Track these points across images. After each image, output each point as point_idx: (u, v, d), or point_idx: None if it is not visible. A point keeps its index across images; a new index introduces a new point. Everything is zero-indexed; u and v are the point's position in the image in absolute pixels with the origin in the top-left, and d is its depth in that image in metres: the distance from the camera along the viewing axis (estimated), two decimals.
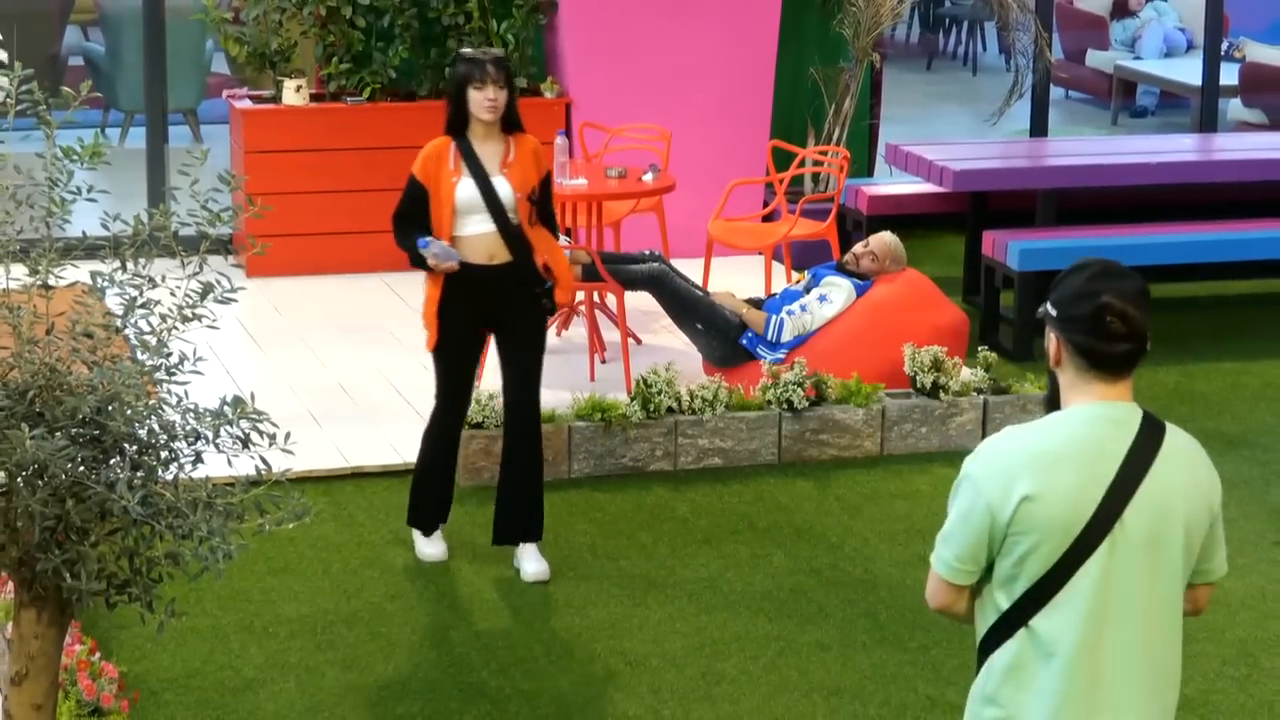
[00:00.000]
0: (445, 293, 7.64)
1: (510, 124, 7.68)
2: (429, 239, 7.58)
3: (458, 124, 7.66)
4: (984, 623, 4.27)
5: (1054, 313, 4.21)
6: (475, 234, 7.63)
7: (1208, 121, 14.05)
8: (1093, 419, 4.17)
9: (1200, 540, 4.26)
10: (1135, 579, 4.16)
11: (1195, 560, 4.27)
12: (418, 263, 7.67)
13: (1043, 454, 4.15)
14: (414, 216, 7.67)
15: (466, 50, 7.79)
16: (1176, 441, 4.24)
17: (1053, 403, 4.27)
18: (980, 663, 4.29)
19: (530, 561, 7.86)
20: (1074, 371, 4.20)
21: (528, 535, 7.89)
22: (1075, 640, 4.15)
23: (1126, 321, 4.13)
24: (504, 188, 7.61)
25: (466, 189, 7.60)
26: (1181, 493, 4.20)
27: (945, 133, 16.07)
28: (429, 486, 7.97)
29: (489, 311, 7.71)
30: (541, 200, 7.70)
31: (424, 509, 8.01)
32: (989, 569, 4.21)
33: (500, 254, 7.64)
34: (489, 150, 7.65)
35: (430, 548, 8.01)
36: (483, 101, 7.55)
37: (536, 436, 7.89)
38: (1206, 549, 4.29)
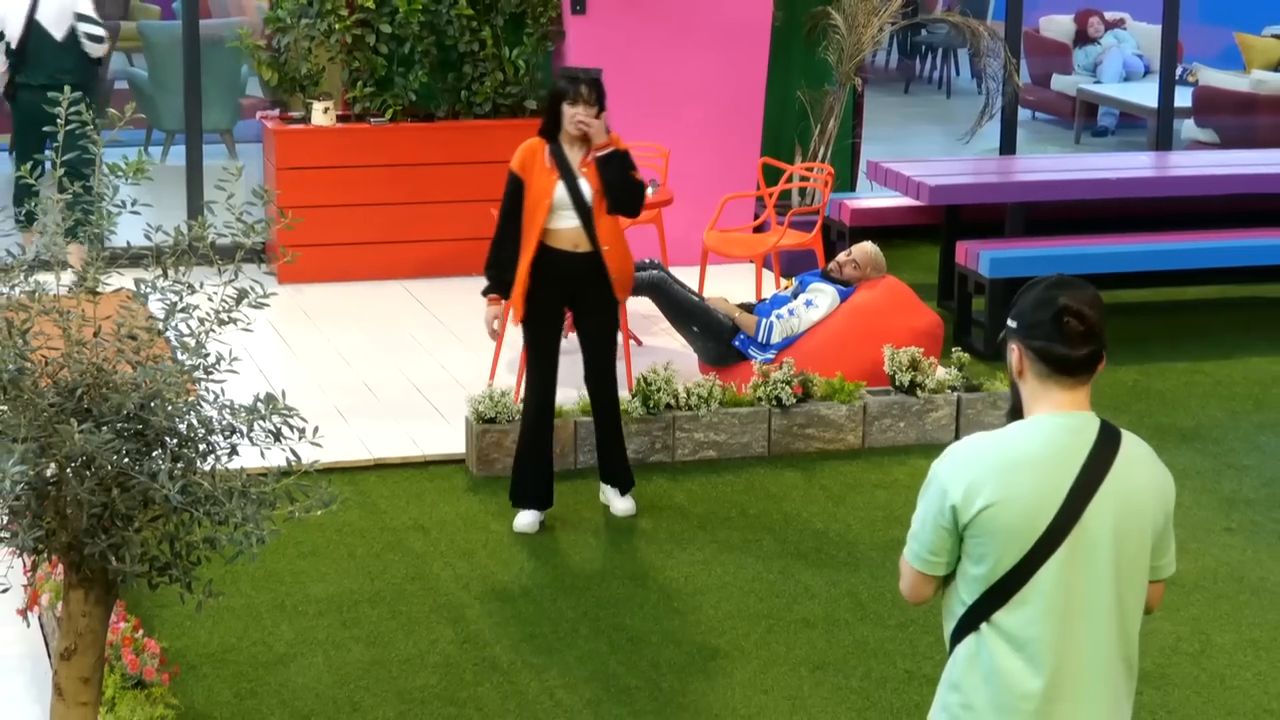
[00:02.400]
0: (532, 277, 7.94)
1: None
2: (497, 321, 8.15)
3: (551, 130, 7.93)
4: (950, 616, 4.24)
5: (1014, 324, 4.16)
6: (564, 227, 7.93)
7: (1163, 141, 14.04)
8: (1053, 428, 4.12)
9: (1157, 539, 4.22)
10: (1099, 578, 4.12)
11: (1152, 557, 4.23)
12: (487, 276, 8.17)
13: (1005, 461, 4.11)
14: (514, 216, 7.97)
15: (568, 67, 8.15)
16: (1132, 447, 4.18)
17: (1015, 414, 4.23)
18: (950, 652, 4.26)
19: (618, 500, 8.30)
20: (1035, 380, 4.15)
21: (620, 485, 8.29)
22: (1036, 635, 4.11)
23: (1084, 321, 4.09)
24: (585, 187, 7.91)
25: (560, 190, 7.89)
26: (1139, 495, 4.15)
27: (922, 151, 16.06)
28: (525, 458, 8.11)
29: (571, 292, 8.01)
30: (620, 169, 7.91)
31: (522, 481, 8.13)
32: (957, 562, 4.19)
33: (583, 244, 7.95)
34: (574, 154, 7.95)
35: (524, 519, 8.13)
36: (573, 117, 7.87)
37: (614, 408, 8.21)
38: (1158, 547, 4.25)
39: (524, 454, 8.14)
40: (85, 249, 5.31)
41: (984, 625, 4.15)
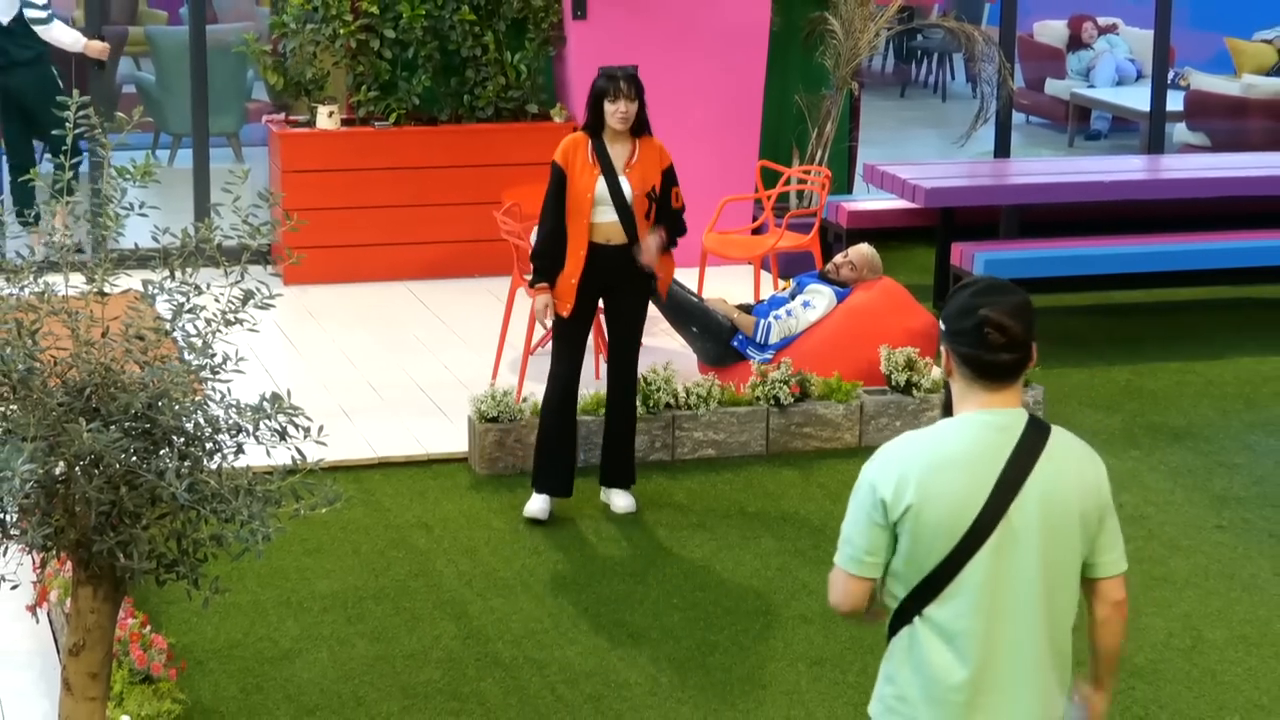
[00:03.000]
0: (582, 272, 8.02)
1: (639, 128, 8.08)
2: (550, 312, 8.05)
3: (594, 126, 8.05)
4: (887, 611, 4.25)
5: (943, 328, 4.17)
6: (602, 221, 8.02)
7: (1155, 144, 14.04)
8: (979, 425, 4.12)
9: (1094, 532, 4.19)
10: (1028, 571, 4.11)
11: (1092, 552, 4.21)
12: (534, 267, 8.14)
13: (932, 459, 4.11)
14: (559, 207, 8.02)
15: (606, 66, 8.23)
16: (1061, 441, 4.17)
17: (948, 409, 4.24)
18: (887, 645, 4.28)
19: (619, 497, 8.32)
20: (963, 381, 4.16)
21: (623, 481, 8.33)
22: (966, 629, 4.11)
23: (1005, 333, 4.08)
24: (626, 187, 8.01)
25: (600, 185, 8.00)
26: (1068, 488, 4.14)
27: (917, 154, 16.05)
28: (547, 442, 8.16)
29: (603, 283, 8.08)
30: (663, 194, 8.10)
31: (544, 465, 8.17)
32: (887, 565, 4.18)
33: (617, 237, 8.06)
34: (618, 151, 8.07)
35: (535, 504, 8.18)
36: (615, 113, 7.98)
37: (632, 400, 8.28)
38: (1102, 542, 4.22)
39: (546, 440, 8.17)
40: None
41: (916, 619, 4.16)
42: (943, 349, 4.19)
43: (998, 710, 4.15)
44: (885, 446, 4.20)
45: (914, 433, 4.20)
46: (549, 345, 8.40)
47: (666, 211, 8.12)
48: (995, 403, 4.14)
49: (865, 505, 4.15)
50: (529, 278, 8.27)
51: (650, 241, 8.05)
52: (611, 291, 8.14)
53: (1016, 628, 4.13)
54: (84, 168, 10.64)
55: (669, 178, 8.13)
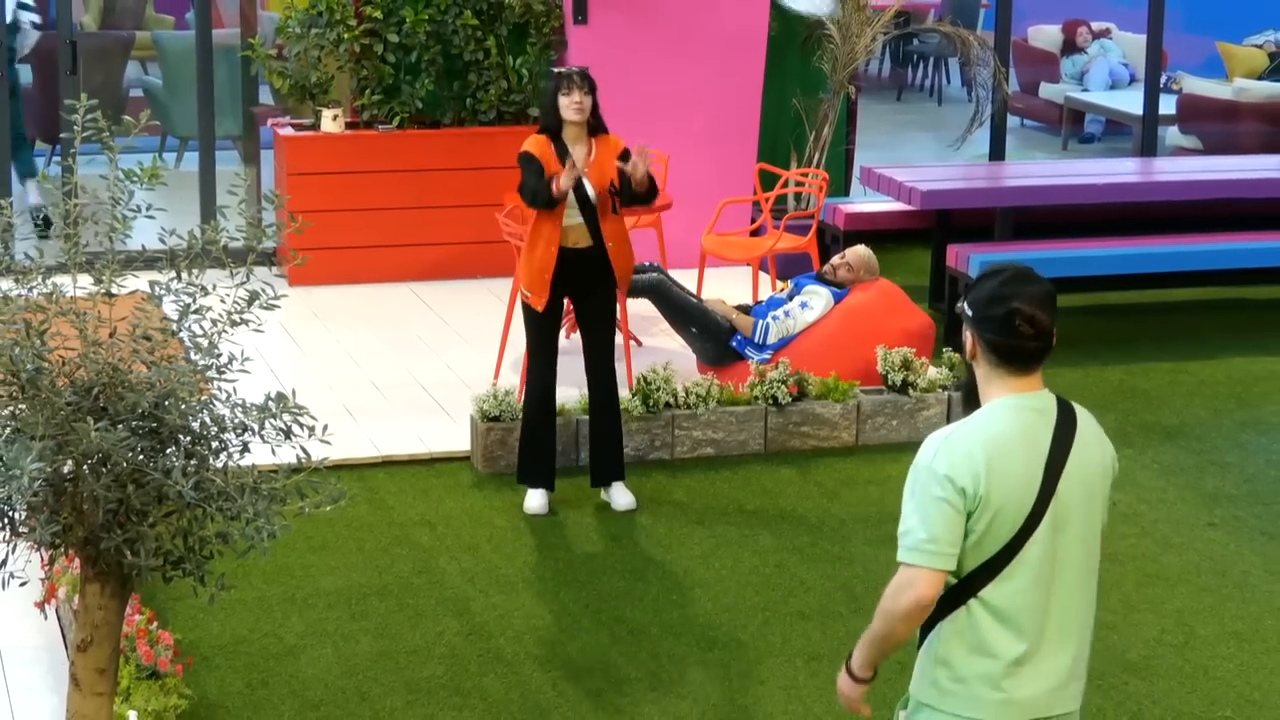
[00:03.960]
0: (555, 281, 8.00)
1: (595, 128, 8.06)
2: (570, 166, 7.85)
3: (553, 127, 8.02)
4: None
5: (970, 313, 4.25)
6: (569, 225, 8.01)
7: (1148, 147, 14.04)
8: (1020, 408, 4.24)
9: (1107, 499, 4.40)
10: (1074, 543, 4.26)
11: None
12: (543, 202, 7.89)
13: (993, 444, 4.19)
14: (541, 174, 7.92)
15: (557, 68, 8.24)
16: (1085, 421, 4.33)
17: (970, 390, 4.34)
18: (926, 629, 4.32)
19: (619, 495, 8.31)
20: (988, 366, 4.27)
21: (615, 475, 8.30)
22: (1025, 605, 4.21)
23: (1034, 324, 4.20)
24: (588, 186, 7.98)
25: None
26: (1095, 463, 4.32)
27: (914, 157, 16.05)
28: (531, 439, 8.20)
29: (573, 284, 8.08)
30: (622, 175, 7.99)
31: (527, 461, 8.23)
32: None
33: (583, 240, 8.03)
34: (578, 152, 8.02)
35: (533, 501, 8.23)
36: (570, 104, 7.96)
37: (614, 397, 8.27)
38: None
39: (527, 436, 8.23)
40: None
41: (971, 601, 4.23)
42: (967, 334, 4.27)
43: (1043, 670, 4.26)
44: (940, 438, 4.26)
45: (961, 423, 4.29)
46: (561, 336, 8.31)
47: (627, 185, 7.98)
48: (1023, 386, 4.26)
49: (942, 498, 4.18)
50: (536, 201, 7.94)
51: (637, 162, 7.93)
52: (580, 296, 8.15)
53: (1065, 596, 4.27)
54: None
55: (625, 156, 8.03)
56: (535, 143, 8.07)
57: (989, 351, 4.24)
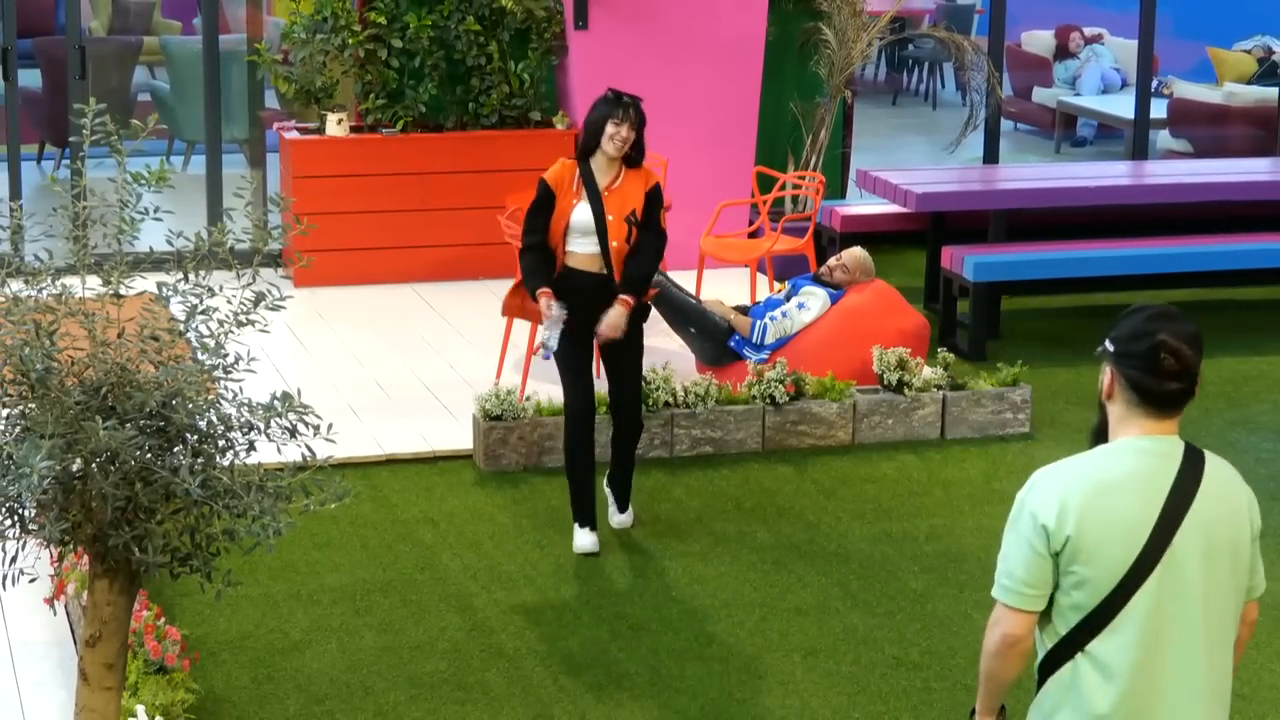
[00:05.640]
0: (558, 294, 7.61)
1: (632, 160, 7.66)
2: (555, 304, 7.56)
3: (586, 150, 7.63)
4: (1042, 647, 4.08)
5: (1112, 349, 4.02)
6: (584, 251, 7.63)
7: (1140, 150, 14.03)
8: (1139, 451, 3.98)
9: (1247, 559, 4.07)
10: (1190, 602, 3.97)
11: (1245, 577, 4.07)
12: (528, 287, 7.70)
13: (1093, 485, 3.95)
14: (543, 218, 7.61)
15: (613, 90, 7.67)
16: (1216, 468, 4.04)
17: (1100, 433, 4.08)
18: (1040, 683, 4.09)
19: (616, 515, 8.06)
20: (1124, 405, 4.01)
21: (620, 508, 8.04)
22: (1132, 661, 3.96)
23: (1180, 359, 3.94)
24: (607, 216, 7.60)
25: (582, 212, 7.60)
26: (1225, 517, 4.00)
27: (909, 160, 16.04)
28: (569, 473, 7.83)
29: (593, 314, 7.63)
30: (645, 214, 7.64)
31: (574, 498, 7.84)
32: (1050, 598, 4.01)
33: (593, 266, 7.63)
34: (604, 179, 7.62)
35: (580, 540, 7.83)
36: (615, 135, 7.53)
37: (635, 433, 7.91)
38: (1250, 566, 4.10)
39: (567, 468, 7.86)
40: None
41: (1079, 655, 4.00)
42: (1107, 371, 4.04)
43: None
44: (1043, 473, 4.03)
45: (1071, 459, 4.03)
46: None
47: (642, 231, 7.64)
48: (1156, 430, 3.99)
49: (1027, 534, 3.97)
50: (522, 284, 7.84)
51: (615, 314, 7.58)
52: (582, 316, 7.61)
53: (1178, 659, 3.98)
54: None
55: (654, 198, 7.66)
56: (557, 172, 7.64)
57: (1128, 389, 3.97)
